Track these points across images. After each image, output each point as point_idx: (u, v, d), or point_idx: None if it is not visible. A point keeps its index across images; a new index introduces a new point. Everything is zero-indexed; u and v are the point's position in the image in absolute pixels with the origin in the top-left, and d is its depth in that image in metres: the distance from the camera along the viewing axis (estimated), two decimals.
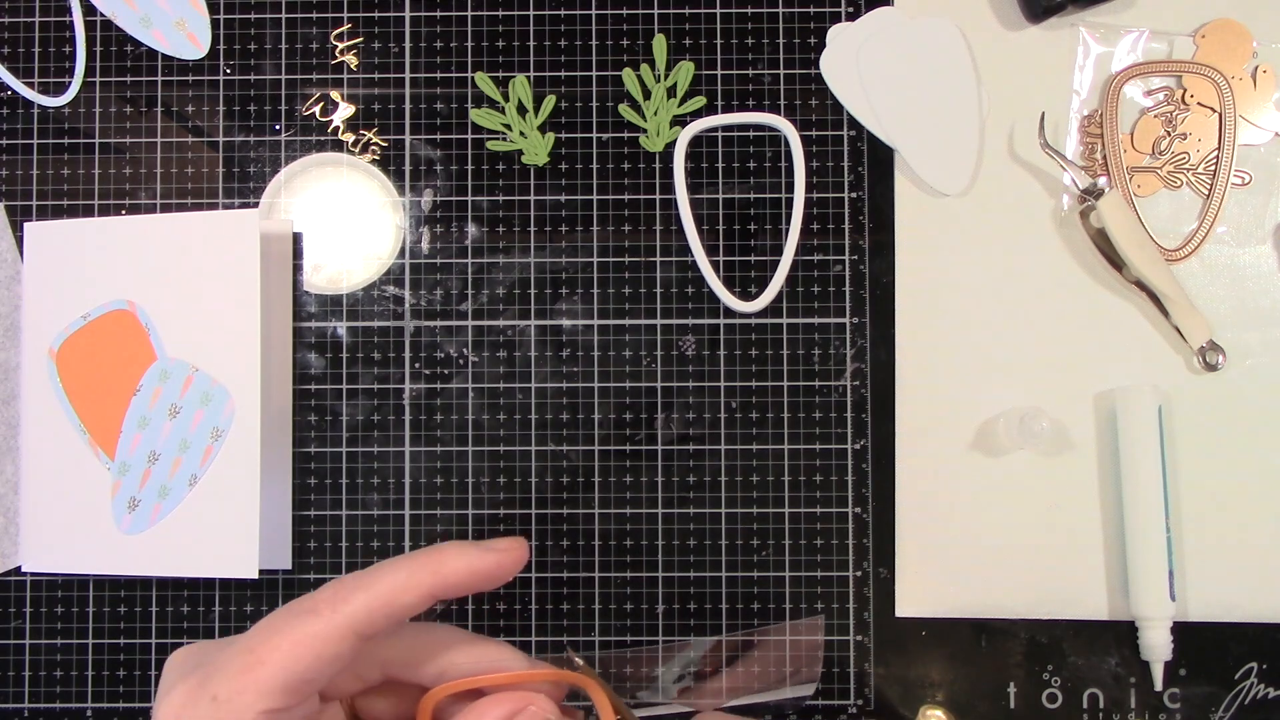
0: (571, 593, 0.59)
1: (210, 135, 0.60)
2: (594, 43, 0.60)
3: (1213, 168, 0.59)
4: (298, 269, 0.60)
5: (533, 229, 0.60)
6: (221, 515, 0.56)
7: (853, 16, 0.60)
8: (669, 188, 0.60)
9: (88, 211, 0.60)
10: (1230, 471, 0.59)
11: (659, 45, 0.60)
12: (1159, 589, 0.56)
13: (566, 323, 0.60)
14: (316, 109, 0.60)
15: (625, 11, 0.60)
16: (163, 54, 0.60)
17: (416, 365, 0.60)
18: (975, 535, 0.58)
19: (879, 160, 0.60)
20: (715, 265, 0.60)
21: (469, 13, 0.61)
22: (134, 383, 0.58)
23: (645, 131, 0.60)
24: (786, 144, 0.60)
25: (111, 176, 0.60)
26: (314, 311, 0.60)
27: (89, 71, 0.60)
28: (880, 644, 0.58)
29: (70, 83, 0.60)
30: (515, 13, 0.60)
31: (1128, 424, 0.57)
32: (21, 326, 0.59)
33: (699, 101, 0.60)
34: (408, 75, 0.60)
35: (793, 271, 0.59)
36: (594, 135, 0.60)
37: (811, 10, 0.60)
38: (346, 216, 0.60)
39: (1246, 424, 0.59)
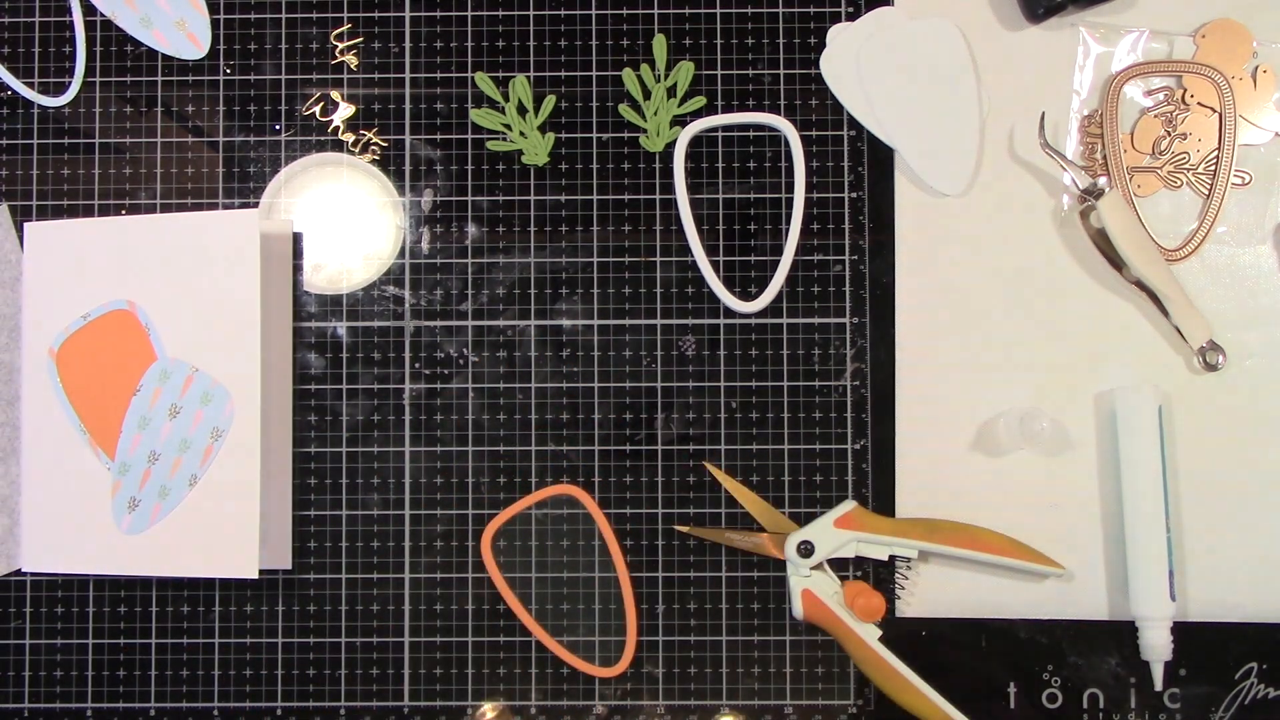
0: (571, 593, 0.59)
1: (210, 135, 0.60)
2: (594, 43, 0.60)
3: (1213, 168, 0.59)
4: (298, 269, 0.60)
5: (533, 229, 0.60)
6: (221, 515, 0.56)
7: (853, 16, 0.60)
8: (669, 188, 0.60)
9: (88, 211, 0.60)
10: (1230, 471, 0.59)
11: (659, 45, 0.60)
12: (1159, 589, 0.56)
13: (566, 323, 0.60)
14: (316, 109, 0.60)
15: (625, 11, 0.60)
16: (163, 54, 0.60)
17: (416, 365, 0.60)
18: None
19: (879, 160, 0.60)
20: (715, 265, 0.60)
21: (469, 13, 0.61)
22: (134, 383, 0.58)
23: (645, 131, 0.60)
24: (786, 144, 0.60)
25: (111, 176, 0.60)
26: (314, 311, 0.60)
27: (89, 71, 0.60)
28: (880, 644, 0.58)
29: (70, 83, 0.60)
30: (515, 13, 0.60)
31: (1128, 424, 0.57)
32: (21, 327, 0.59)
33: (699, 101, 0.60)
34: (408, 75, 0.60)
35: (793, 271, 0.59)
36: (594, 135, 0.60)
37: (811, 10, 0.60)
38: (346, 216, 0.60)
39: (1246, 424, 0.59)
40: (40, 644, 0.59)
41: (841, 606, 0.56)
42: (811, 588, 0.56)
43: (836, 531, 0.56)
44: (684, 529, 0.58)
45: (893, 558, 0.57)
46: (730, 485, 0.58)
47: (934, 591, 0.58)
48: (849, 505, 0.57)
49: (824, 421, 0.59)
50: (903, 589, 0.58)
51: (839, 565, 0.58)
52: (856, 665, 0.57)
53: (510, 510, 0.59)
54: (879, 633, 0.56)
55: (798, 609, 0.57)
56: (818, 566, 0.57)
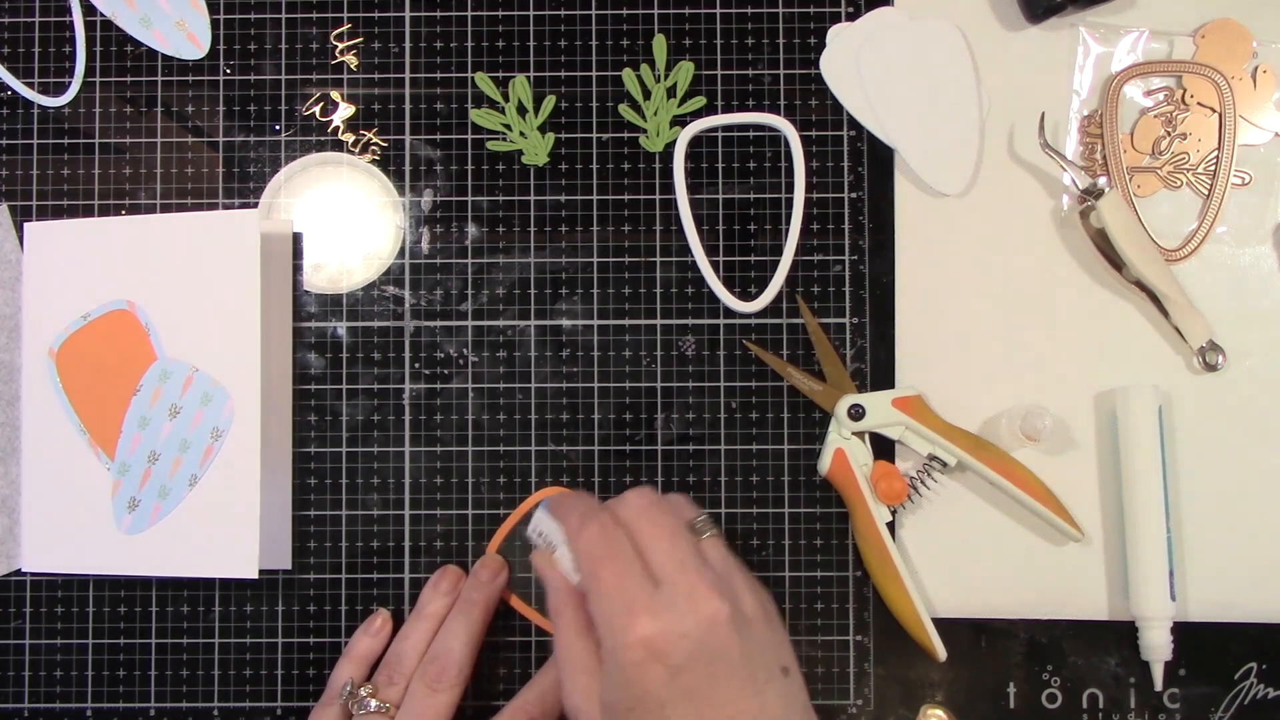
0: None
1: (210, 135, 0.60)
2: (594, 43, 0.60)
3: (1213, 168, 0.59)
4: (298, 269, 0.60)
5: (533, 229, 0.60)
6: (221, 515, 0.56)
7: (853, 16, 0.60)
8: (669, 188, 0.60)
9: (88, 211, 0.60)
10: (1230, 471, 0.59)
11: (659, 45, 0.60)
12: (1159, 589, 0.56)
13: (566, 323, 0.60)
14: (316, 109, 0.60)
15: (625, 11, 0.60)
16: (163, 54, 0.60)
17: (416, 365, 0.60)
18: (975, 535, 0.58)
19: (879, 160, 0.60)
20: (715, 265, 0.60)
21: (469, 13, 0.61)
22: (134, 383, 0.58)
23: (645, 131, 0.60)
24: (786, 144, 0.60)
25: (111, 176, 0.60)
26: (314, 311, 0.60)
27: (89, 71, 0.60)
28: (880, 644, 0.58)
29: (70, 83, 0.60)
30: (515, 13, 0.60)
31: (1128, 424, 0.57)
32: (21, 327, 0.59)
33: (699, 101, 0.60)
34: (408, 75, 0.60)
35: (793, 271, 0.59)
36: (594, 135, 0.60)
37: (811, 10, 0.60)
38: (346, 216, 0.60)
39: (1246, 424, 0.59)
40: (40, 644, 0.59)
41: (866, 480, 0.56)
42: (846, 450, 0.57)
43: (891, 409, 0.57)
44: (753, 347, 0.59)
45: (932, 456, 0.57)
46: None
47: (934, 591, 0.58)
48: (913, 391, 0.57)
49: (824, 421, 0.59)
50: (920, 494, 0.58)
51: (880, 448, 0.58)
52: (855, 539, 0.58)
53: (505, 526, 0.59)
54: (889, 517, 0.57)
55: (825, 464, 0.57)
56: (860, 435, 0.57)
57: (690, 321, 0.59)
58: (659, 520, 0.48)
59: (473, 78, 0.60)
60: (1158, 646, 0.56)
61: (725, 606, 0.45)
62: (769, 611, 0.48)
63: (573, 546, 0.48)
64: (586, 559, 0.47)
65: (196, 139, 0.60)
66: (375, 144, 0.60)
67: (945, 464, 0.57)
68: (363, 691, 0.54)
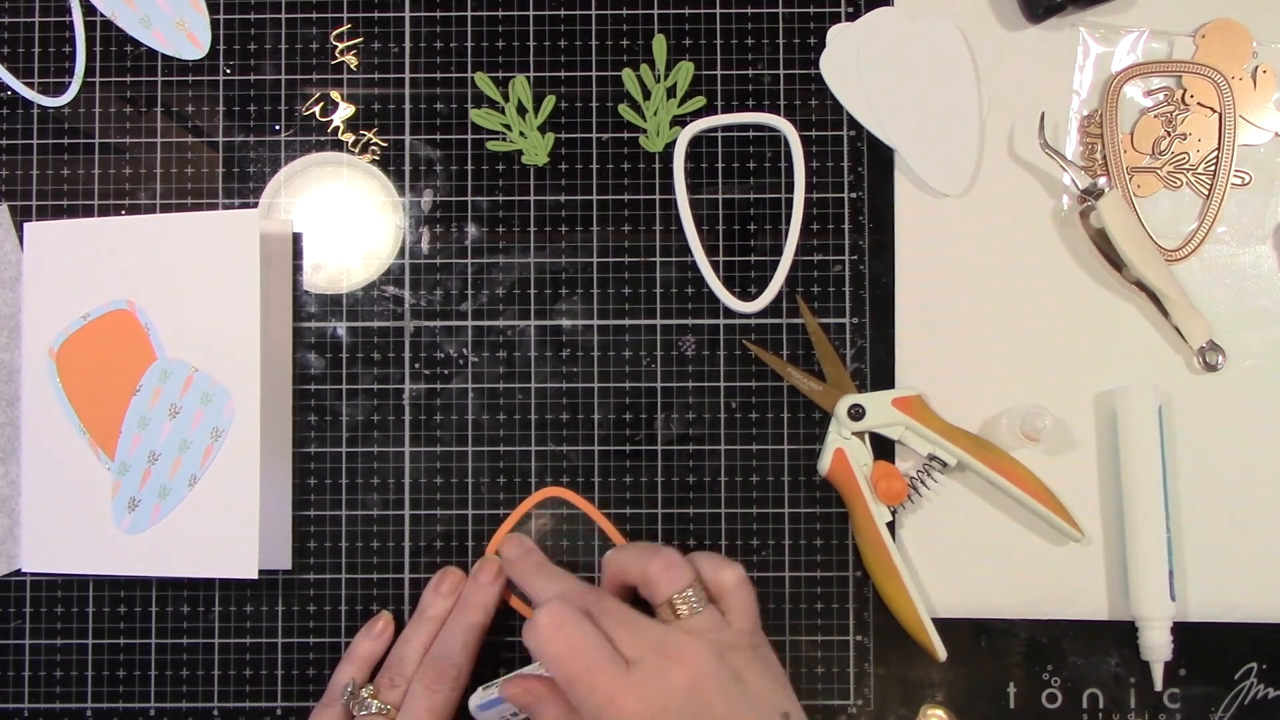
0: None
1: (210, 135, 0.60)
2: (594, 43, 0.60)
3: (1213, 168, 0.59)
4: (298, 269, 0.60)
5: (533, 229, 0.60)
6: (221, 515, 0.56)
7: (853, 16, 0.60)
8: (669, 188, 0.60)
9: (88, 211, 0.60)
10: (1230, 471, 0.59)
11: (659, 45, 0.60)
12: (1159, 589, 0.56)
13: (566, 323, 0.60)
14: (316, 109, 0.60)
15: (625, 11, 0.60)
16: (163, 54, 0.60)
17: (416, 365, 0.60)
18: (975, 535, 0.58)
19: (879, 160, 0.60)
20: (715, 265, 0.60)
21: (469, 13, 0.61)
22: (134, 383, 0.58)
23: (645, 131, 0.60)
24: (786, 144, 0.60)
25: (111, 176, 0.60)
26: (314, 311, 0.60)
27: (89, 71, 0.60)
28: (880, 644, 0.58)
29: (70, 83, 0.60)
30: (515, 13, 0.60)
31: (1128, 424, 0.57)
32: (21, 327, 0.59)
33: (699, 101, 0.60)
34: (408, 75, 0.60)
35: (793, 271, 0.59)
36: (594, 135, 0.60)
37: (811, 10, 0.60)
38: (346, 216, 0.60)
39: (1246, 424, 0.59)
40: (40, 644, 0.59)
41: (866, 480, 0.56)
42: (846, 450, 0.57)
43: (891, 409, 0.57)
44: (753, 347, 0.58)
45: (932, 456, 0.57)
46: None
47: (934, 591, 0.58)
48: (913, 391, 0.57)
49: (824, 421, 0.59)
50: (920, 494, 0.58)
51: (880, 448, 0.58)
52: (855, 538, 0.58)
53: (505, 527, 0.59)
54: (889, 517, 0.57)
55: (825, 464, 0.57)
56: (860, 435, 0.57)
57: (690, 321, 0.59)
58: (612, 606, 0.49)
59: (473, 78, 0.60)
60: (1158, 646, 0.56)
61: (696, 670, 0.46)
62: (764, 660, 0.49)
63: (540, 657, 0.48)
64: (557, 664, 0.47)
65: (196, 139, 0.60)
66: (375, 144, 0.60)
67: (945, 464, 0.57)
68: (364, 693, 0.54)
